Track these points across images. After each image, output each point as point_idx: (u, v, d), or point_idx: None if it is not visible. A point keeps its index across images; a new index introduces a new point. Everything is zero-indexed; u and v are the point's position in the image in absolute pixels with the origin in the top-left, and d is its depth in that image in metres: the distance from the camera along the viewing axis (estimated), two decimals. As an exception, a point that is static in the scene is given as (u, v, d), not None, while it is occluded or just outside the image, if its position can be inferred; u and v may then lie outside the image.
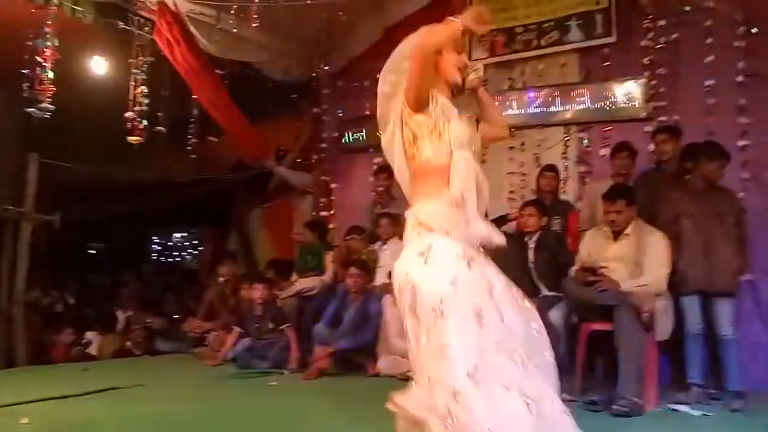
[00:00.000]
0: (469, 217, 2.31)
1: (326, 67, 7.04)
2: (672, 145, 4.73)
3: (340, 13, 5.88)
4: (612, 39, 5.64)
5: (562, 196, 5.66)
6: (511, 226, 5.21)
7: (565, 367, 4.14)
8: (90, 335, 6.89)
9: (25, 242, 5.87)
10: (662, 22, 5.48)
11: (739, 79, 5.12)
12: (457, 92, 2.52)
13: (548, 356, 2.37)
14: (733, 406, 3.85)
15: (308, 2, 5.55)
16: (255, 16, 5.51)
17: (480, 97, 2.63)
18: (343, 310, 5.31)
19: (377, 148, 7.11)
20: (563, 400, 3.34)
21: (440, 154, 2.36)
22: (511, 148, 6.16)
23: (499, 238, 2.40)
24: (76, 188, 8.15)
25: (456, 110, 2.41)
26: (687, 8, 5.38)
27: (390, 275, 5.13)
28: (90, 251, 13.11)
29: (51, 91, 5.09)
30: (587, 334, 4.15)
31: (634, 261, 4.09)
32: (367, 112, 7.16)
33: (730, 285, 4.06)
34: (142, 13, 5.68)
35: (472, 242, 2.32)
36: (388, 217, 5.87)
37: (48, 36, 5.03)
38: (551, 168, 5.48)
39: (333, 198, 7.44)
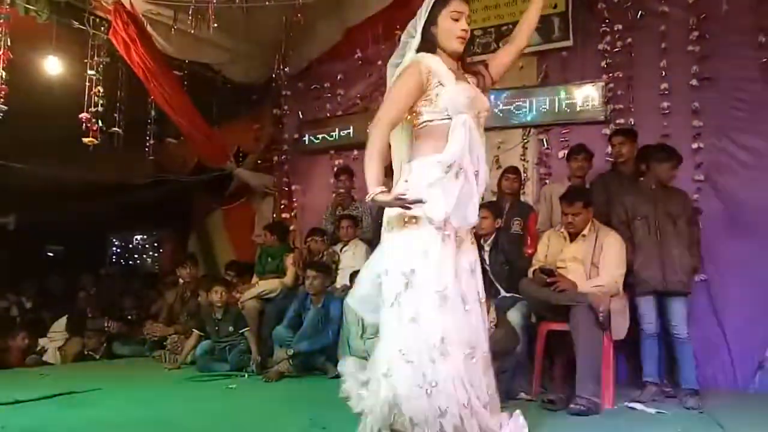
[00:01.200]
0: (473, 192, 2.50)
1: (286, 69, 6.98)
2: (628, 147, 4.83)
3: (299, 15, 5.82)
4: (569, 42, 5.73)
5: (522, 198, 5.73)
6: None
7: (523, 367, 4.23)
8: (44, 341, 6.72)
9: (-22, 246, 5.70)
10: (618, 27, 5.58)
11: (693, 82, 5.24)
12: (460, 60, 2.63)
13: (487, 351, 2.59)
14: (687, 404, 3.94)
15: (267, 4, 5.49)
16: (213, 16, 5.43)
17: None
18: (304, 313, 5.29)
19: (338, 150, 7.19)
20: (522, 399, 3.76)
21: (437, 118, 2.49)
22: (470, 150, 6.21)
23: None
24: (31, 190, 7.96)
25: (453, 76, 2.50)
26: (642, 13, 5.49)
27: (351, 278, 5.16)
28: (48, 254, 12.80)
29: (4, 91, 4.94)
30: (545, 334, 4.21)
31: (591, 262, 4.17)
32: (328, 114, 7.16)
33: (683, 285, 4.15)
34: (98, 12, 5.54)
35: (464, 221, 2.51)
36: (349, 219, 5.87)
37: (0, 36, 4.90)
38: (514, 170, 5.51)
39: (294, 200, 7.40)
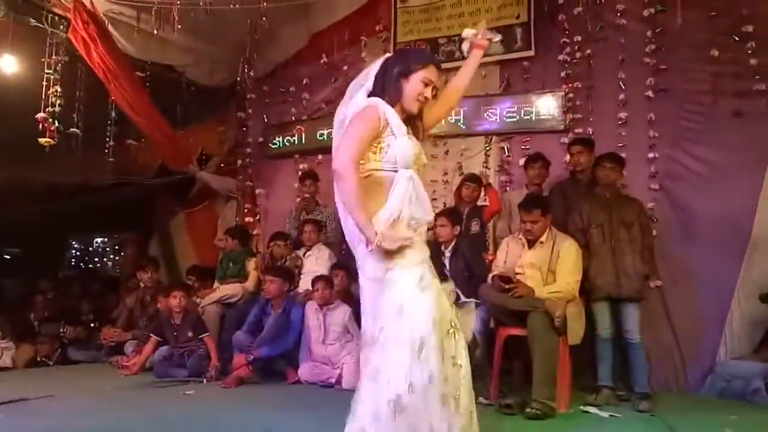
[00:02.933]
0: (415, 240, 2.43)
1: (251, 72, 6.96)
2: (586, 156, 4.92)
3: (264, 18, 5.81)
4: (531, 52, 5.84)
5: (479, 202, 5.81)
6: (429, 235, 5.29)
7: (482, 372, 4.28)
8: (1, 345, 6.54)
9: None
10: (578, 38, 5.70)
11: (649, 93, 5.37)
12: (410, 117, 2.62)
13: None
14: (640, 407, 4.03)
15: (231, 7, 5.47)
16: (177, 17, 5.38)
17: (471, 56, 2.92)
18: (265, 318, 5.26)
19: (303, 154, 7.17)
20: (481, 404, 3.68)
21: (384, 168, 2.46)
22: (434, 156, 6.26)
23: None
24: (-15, 191, 7.77)
25: (404, 128, 2.49)
26: (601, 25, 5.62)
27: (313, 282, 5.15)
28: (4, 256, 12.48)
29: (-43, 89, 4.84)
30: (504, 339, 4.26)
31: (548, 268, 4.23)
32: (293, 118, 7.15)
33: (636, 291, 4.25)
34: (56, 10, 5.43)
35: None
36: (312, 224, 5.87)
37: (-47, 32, 4.80)
38: (474, 179, 5.52)
39: (258, 204, 7.36)
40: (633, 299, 4.25)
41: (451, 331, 2.43)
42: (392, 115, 2.47)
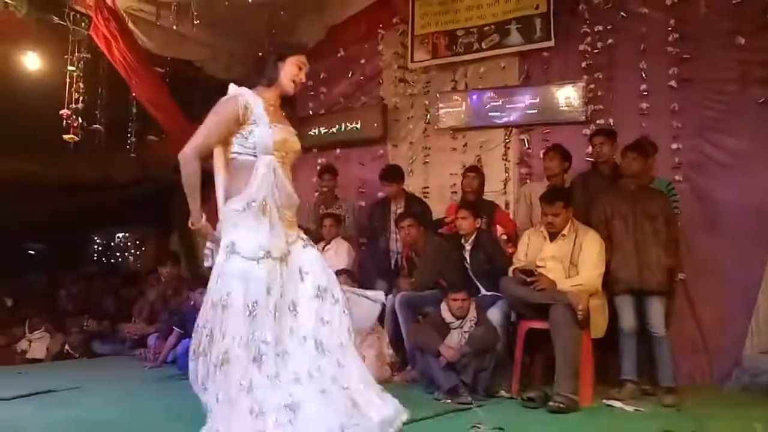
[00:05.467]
0: (273, 223, 2.69)
1: (268, 66, 6.96)
2: (608, 148, 4.86)
3: (282, 13, 5.81)
4: (551, 43, 5.76)
5: (502, 198, 5.77)
6: (447, 228, 5.28)
7: (503, 365, 4.26)
8: (27, 338, 6.66)
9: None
10: (599, 28, 5.63)
11: (672, 83, 5.30)
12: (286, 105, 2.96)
13: (342, 341, 2.74)
14: (665, 402, 3.99)
15: (249, 1, 5.47)
16: (195, 13, 5.41)
17: None
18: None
19: (321, 148, 7.17)
20: (502, 397, 3.92)
21: (245, 152, 2.72)
22: (453, 149, 6.25)
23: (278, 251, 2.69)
24: (11, 186, 7.87)
25: (267, 118, 2.73)
26: (623, 15, 5.55)
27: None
28: (28, 252, 12.66)
29: (-18, 87, 4.91)
30: (525, 333, 4.24)
31: (570, 261, 4.20)
32: (310, 112, 7.15)
33: (660, 284, 4.18)
34: (78, 8, 5.50)
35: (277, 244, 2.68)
36: (331, 218, 5.87)
37: (-22, 30, 4.86)
38: (474, 169, 5.57)
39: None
40: (657, 292, 4.19)
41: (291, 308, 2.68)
42: (257, 104, 2.72)
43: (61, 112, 5.47)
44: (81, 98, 5.55)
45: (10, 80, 5.60)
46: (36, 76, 5.73)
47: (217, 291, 2.62)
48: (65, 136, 5.52)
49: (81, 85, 5.56)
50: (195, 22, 5.41)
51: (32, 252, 12.67)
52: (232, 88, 2.82)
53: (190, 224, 2.77)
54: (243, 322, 2.55)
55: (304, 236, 2.88)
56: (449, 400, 3.92)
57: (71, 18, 5.46)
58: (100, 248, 13.80)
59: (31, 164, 7.05)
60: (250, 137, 2.70)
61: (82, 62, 5.56)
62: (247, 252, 2.62)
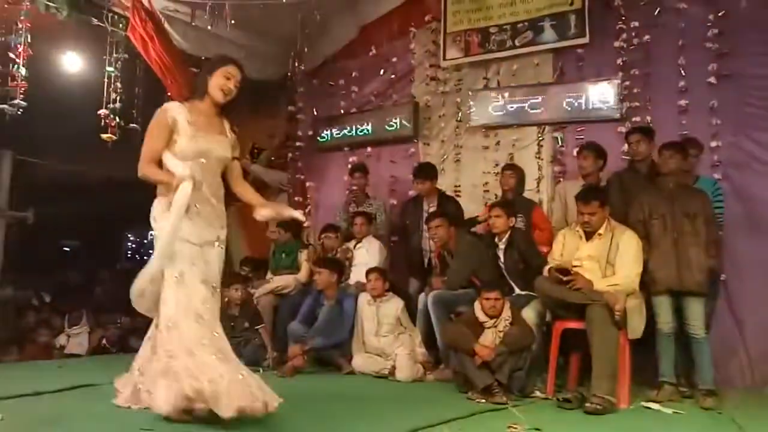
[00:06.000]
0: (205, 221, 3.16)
1: (301, 66, 7.01)
2: (645, 146, 4.77)
3: (315, 12, 5.84)
4: (585, 40, 5.70)
5: (536, 196, 5.72)
6: (482, 227, 5.25)
7: (538, 365, 4.23)
8: (66, 333, 6.81)
9: (-1, 239, 5.79)
10: (635, 24, 5.55)
11: (711, 80, 5.20)
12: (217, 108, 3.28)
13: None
14: (704, 404, 3.91)
15: (283, 1, 5.51)
16: (229, 13, 5.46)
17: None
18: (318, 308, 5.31)
19: (352, 147, 7.21)
20: (537, 398, 3.96)
21: (173, 161, 3.11)
22: (485, 147, 6.21)
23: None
24: (49, 185, 8.05)
25: (191, 129, 3.13)
26: (659, 10, 5.46)
27: (367, 274, 5.19)
28: (65, 249, 12.94)
29: (23, 87, 5.02)
30: (560, 333, 4.20)
31: (607, 260, 4.14)
32: (342, 111, 7.17)
33: (699, 285, 4.10)
34: (116, 9, 5.58)
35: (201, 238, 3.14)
36: (363, 216, 5.88)
37: (21, 32, 4.96)
38: (510, 167, 5.54)
39: (308, 196, 7.42)
40: (696, 293, 4.11)
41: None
42: (180, 117, 3.13)
43: (99, 111, 5.56)
44: (118, 98, 5.63)
45: (51, 81, 5.72)
46: (76, 77, 5.85)
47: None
48: (103, 136, 5.62)
49: (118, 85, 5.65)
50: (230, 22, 5.45)
51: (67, 249, 12.94)
52: (166, 105, 3.24)
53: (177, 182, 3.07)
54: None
55: (221, 237, 3.25)
56: (483, 400, 3.90)
57: (109, 19, 5.55)
58: (134, 245, 14.05)
59: (69, 163, 7.19)
60: (176, 146, 3.12)
61: (119, 63, 5.65)
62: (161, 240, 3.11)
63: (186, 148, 3.11)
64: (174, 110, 3.16)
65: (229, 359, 3.02)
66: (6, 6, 5.02)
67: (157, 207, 3.22)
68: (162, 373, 2.94)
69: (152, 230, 3.34)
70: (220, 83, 3.20)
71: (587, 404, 3.65)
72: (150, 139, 3.17)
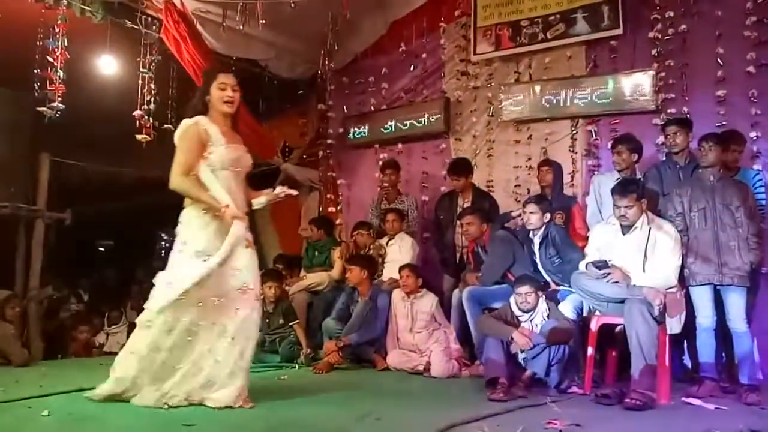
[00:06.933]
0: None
1: (331, 64, 7.04)
2: (682, 137, 4.68)
3: (345, 11, 5.85)
4: (619, 31, 5.62)
5: (570, 190, 5.65)
6: (515, 223, 5.21)
7: (576, 361, 4.18)
8: (105, 332, 6.95)
9: (38, 240, 5.90)
10: (670, 13, 5.47)
11: (750, 69, 5.09)
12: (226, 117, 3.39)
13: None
14: (747, 400, 3.82)
15: (313, -1, 5.54)
16: (260, 13, 5.50)
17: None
18: (352, 305, 5.33)
19: (382, 144, 7.21)
20: (575, 393, 3.95)
21: (210, 177, 3.23)
22: (517, 142, 6.17)
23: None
24: (86, 186, 8.20)
25: (223, 139, 3.25)
26: (695, -2, 5.36)
27: (400, 270, 5.19)
28: (100, 249, 13.17)
29: (61, 90, 5.12)
30: (598, 328, 4.15)
31: (645, 254, 4.07)
32: (372, 108, 7.18)
33: (740, 278, 4.01)
34: (150, 12, 5.68)
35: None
36: (394, 213, 5.89)
37: (58, 36, 5.07)
38: (545, 162, 5.47)
39: (340, 194, 7.45)
40: (737, 286, 4.03)
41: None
42: (211, 128, 3.22)
43: (134, 113, 5.66)
44: (153, 99, 5.72)
45: (87, 84, 5.83)
46: (110, 79, 5.96)
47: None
48: (138, 136, 5.72)
49: (152, 86, 5.74)
50: (261, 21, 5.49)
51: (103, 249, 13.18)
52: (185, 121, 3.31)
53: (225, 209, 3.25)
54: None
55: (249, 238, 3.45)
56: (500, 395, 3.80)
57: (143, 22, 5.65)
58: (168, 244, 14.22)
59: (105, 164, 7.31)
60: (211, 157, 3.20)
61: (153, 64, 5.73)
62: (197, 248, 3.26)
63: (224, 156, 3.22)
64: (204, 122, 3.24)
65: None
66: (43, 11, 5.13)
67: (188, 214, 3.32)
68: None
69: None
70: (219, 96, 3.28)
71: (627, 400, 3.59)
72: (181, 152, 3.23)
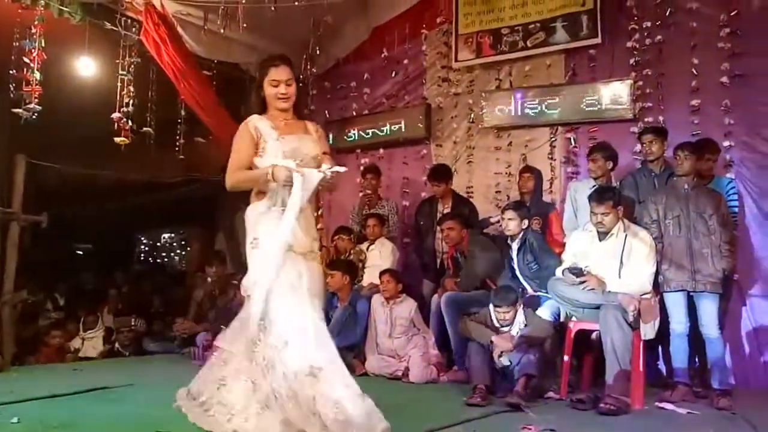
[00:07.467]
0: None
1: (313, 68, 7.04)
2: (658, 146, 4.75)
3: (327, 17, 5.87)
4: (597, 40, 5.70)
5: (548, 197, 5.71)
6: (494, 229, 5.25)
7: (552, 366, 4.22)
8: (80, 336, 6.86)
9: (13, 243, 5.81)
10: (647, 24, 5.55)
11: (724, 80, 5.18)
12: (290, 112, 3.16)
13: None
14: (719, 405, 3.88)
15: (295, 4, 5.54)
16: (241, 16, 5.50)
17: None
18: (331, 310, 5.32)
19: (364, 149, 7.22)
20: (551, 398, 3.96)
21: (263, 164, 2.99)
22: (497, 148, 6.22)
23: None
24: (63, 189, 8.10)
25: (275, 133, 3.03)
26: (672, 10, 5.45)
27: (380, 275, 5.19)
28: (78, 252, 13.02)
29: (38, 91, 5.06)
30: (574, 333, 4.19)
31: (620, 260, 4.13)
32: (354, 113, 7.19)
33: (713, 285, 4.09)
34: (130, 13, 5.64)
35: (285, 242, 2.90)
36: (375, 218, 5.90)
37: (35, 37, 5.01)
38: (527, 169, 5.54)
39: (320, 198, 7.43)
40: (709, 293, 4.10)
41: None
42: (262, 124, 3.05)
43: (112, 115, 5.61)
44: (131, 102, 5.68)
45: (64, 85, 5.77)
46: (89, 81, 5.89)
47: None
48: (116, 139, 5.67)
49: (131, 88, 5.70)
50: (243, 25, 5.48)
51: (81, 252, 13.03)
52: (247, 119, 3.13)
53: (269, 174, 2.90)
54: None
55: (315, 249, 3.12)
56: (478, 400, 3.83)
57: (122, 23, 5.61)
58: (147, 248, 14.12)
59: (83, 167, 7.24)
60: (264, 153, 3.02)
61: (132, 66, 5.69)
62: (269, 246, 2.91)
63: (277, 150, 3.00)
64: (255, 119, 3.09)
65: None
66: (20, 11, 5.07)
67: (254, 210, 3.05)
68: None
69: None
70: (273, 93, 3.08)
71: (601, 405, 3.64)
72: (235, 151, 3.07)
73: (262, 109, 3.13)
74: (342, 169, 3.09)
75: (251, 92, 3.31)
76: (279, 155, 2.99)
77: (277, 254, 2.87)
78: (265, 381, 2.82)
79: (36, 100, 5.05)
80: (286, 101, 3.09)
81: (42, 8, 5.03)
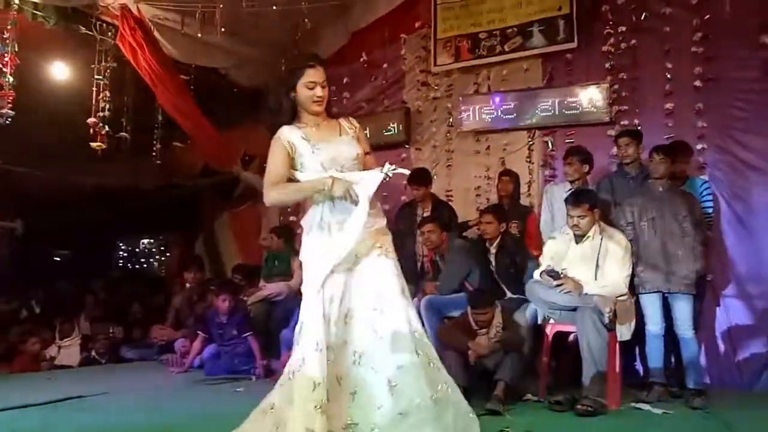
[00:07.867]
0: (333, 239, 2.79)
1: (291, 73, 7.01)
2: (634, 149, 4.80)
3: (306, 20, 5.86)
4: (574, 44, 5.75)
5: (527, 200, 5.75)
6: (473, 232, 5.27)
7: (530, 368, 4.24)
8: (56, 344, 6.76)
9: (-13, 249, 5.76)
10: (622, 28, 5.61)
11: (697, 83, 5.25)
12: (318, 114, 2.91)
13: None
14: (693, 404, 3.92)
15: (273, 8, 5.53)
16: (219, 20, 5.47)
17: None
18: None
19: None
20: (529, 400, 3.95)
21: (301, 178, 2.83)
22: (476, 152, 6.25)
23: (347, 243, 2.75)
24: (38, 195, 8.02)
25: (309, 145, 2.81)
26: (646, 15, 5.51)
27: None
28: (55, 258, 12.84)
29: (11, 96, 4.99)
30: (552, 336, 4.22)
31: (597, 263, 4.17)
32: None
33: (688, 286, 4.14)
34: (105, 18, 5.60)
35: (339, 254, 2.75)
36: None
37: (8, 41, 4.95)
38: (506, 172, 5.58)
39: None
40: (684, 294, 4.15)
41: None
42: (295, 137, 2.81)
43: (88, 120, 5.56)
44: (108, 106, 5.64)
45: (39, 90, 5.71)
46: (64, 86, 5.85)
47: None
48: (93, 144, 5.62)
49: (107, 93, 5.65)
50: (220, 29, 5.46)
51: (58, 259, 12.85)
52: (278, 132, 2.87)
53: (330, 186, 2.72)
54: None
55: (382, 245, 2.89)
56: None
57: (98, 28, 5.56)
58: (125, 254, 13.98)
59: (59, 172, 7.17)
60: (301, 167, 2.83)
61: (108, 71, 5.65)
62: (314, 272, 2.77)
63: (315, 162, 2.81)
64: (286, 132, 2.84)
65: None
66: (-8, 15, 5.02)
67: (308, 222, 2.89)
68: None
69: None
70: (308, 95, 2.83)
71: (578, 406, 3.66)
72: (272, 165, 2.85)
73: (292, 115, 2.89)
74: (406, 171, 2.97)
75: (274, 97, 3.00)
76: (318, 168, 2.80)
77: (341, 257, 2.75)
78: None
79: (9, 105, 4.98)
80: (321, 104, 2.87)
81: (15, 12, 4.97)
